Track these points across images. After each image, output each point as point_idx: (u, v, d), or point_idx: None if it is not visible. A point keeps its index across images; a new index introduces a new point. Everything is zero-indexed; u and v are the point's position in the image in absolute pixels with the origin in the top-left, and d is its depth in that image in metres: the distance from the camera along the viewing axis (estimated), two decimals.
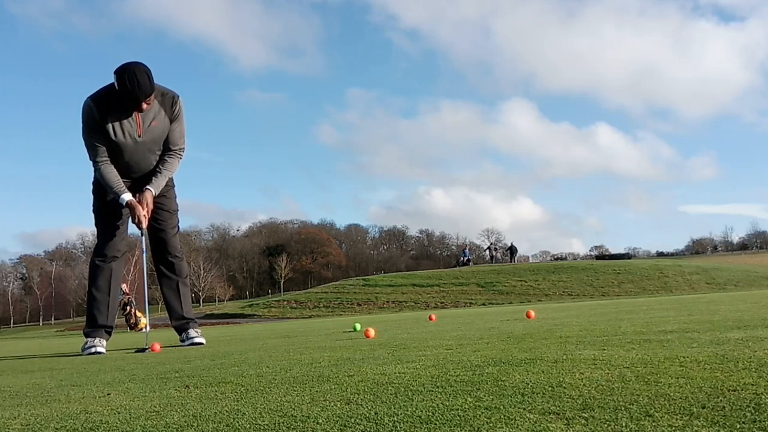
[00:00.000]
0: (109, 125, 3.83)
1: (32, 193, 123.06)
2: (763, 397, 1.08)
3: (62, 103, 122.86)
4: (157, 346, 4.01)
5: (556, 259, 78.87)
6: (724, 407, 1.04)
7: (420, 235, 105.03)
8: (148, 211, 4.08)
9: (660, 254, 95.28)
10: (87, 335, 4.24)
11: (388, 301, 39.08)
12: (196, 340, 4.32)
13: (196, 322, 4.52)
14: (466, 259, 53.61)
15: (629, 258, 55.76)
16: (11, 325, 73.15)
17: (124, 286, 25.46)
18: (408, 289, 41.96)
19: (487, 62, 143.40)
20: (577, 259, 75.89)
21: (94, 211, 4.29)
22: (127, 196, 4.02)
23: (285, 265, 78.59)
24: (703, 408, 1.04)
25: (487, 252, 58.00)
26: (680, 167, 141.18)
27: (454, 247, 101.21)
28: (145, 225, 4.09)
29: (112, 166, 3.98)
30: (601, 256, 62.65)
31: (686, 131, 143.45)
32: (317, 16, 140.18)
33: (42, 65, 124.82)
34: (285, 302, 43.74)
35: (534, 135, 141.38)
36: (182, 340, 4.39)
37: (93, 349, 4.10)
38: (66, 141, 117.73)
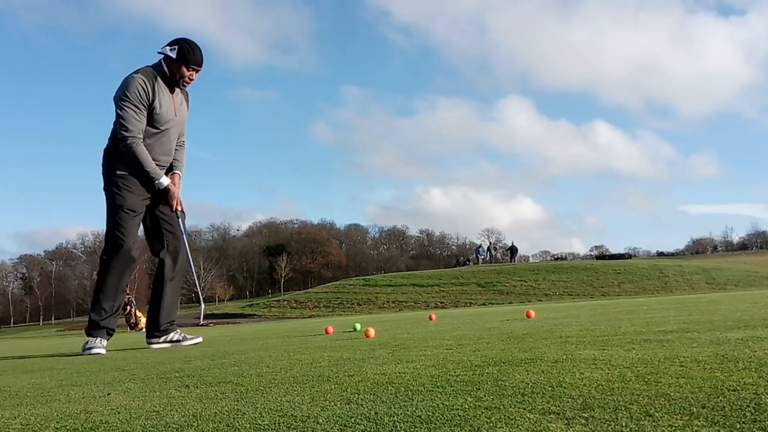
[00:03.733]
0: (156, 101, 3.86)
1: (27, 192, 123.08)
2: (763, 397, 1.08)
3: (51, 101, 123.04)
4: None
5: (556, 259, 78.89)
6: (724, 407, 1.04)
7: (420, 235, 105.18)
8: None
9: (660, 254, 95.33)
10: (89, 334, 4.13)
11: (388, 301, 39.10)
12: (195, 340, 4.32)
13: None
14: (481, 257, 54.16)
15: (629, 258, 55.77)
16: (11, 325, 73.19)
17: None
18: (408, 289, 41.98)
19: (483, 58, 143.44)
20: (577, 259, 75.90)
21: (115, 206, 3.96)
22: (166, 180, 3.99)
23: (285, 265, 78.65)
24: (703, 408, 1.04)
25: (487, 253, 58.16)
26: (680, 166, 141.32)
27: (454, 247, 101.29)
28: (180, 209, 4.10)
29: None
30: (601, 256, 62.65)
31: (686, 129, 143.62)
32: (309, 11, 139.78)
33: (29, 62, 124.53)
34: (285, 302, 43.78)
35: (532, 133, 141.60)
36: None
37: (93, 351, 4.01)
38: (59, 140, 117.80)
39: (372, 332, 3.60)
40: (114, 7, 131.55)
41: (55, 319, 75.11)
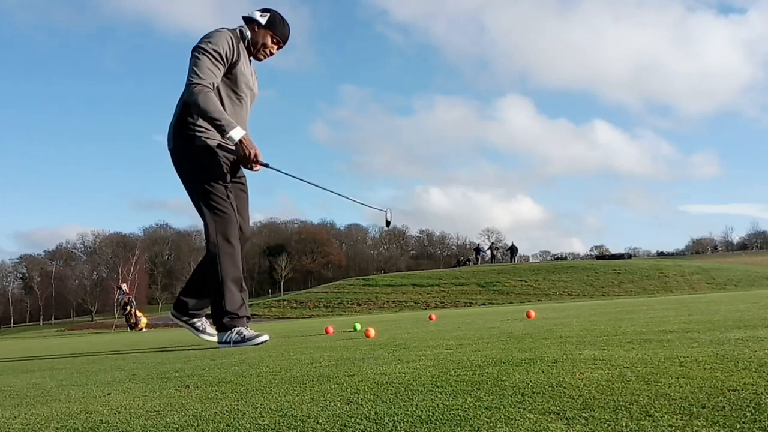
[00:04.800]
0: (240, 63, 3.52)
1: (25, 192, 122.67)
2: (763, 397, 1.08)
3: (48, 100, 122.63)
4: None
5: (557, 259, 78.86)
6: (724, 407, 1.04)
7: (420, 235, 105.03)
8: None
9: (660, 254, 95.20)
10: (229, 327, 3.53)
11: (388, 301, 39.14)
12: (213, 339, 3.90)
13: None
14: (481, 255, 54.35)
15: (629, 258, 55.79)
16: (11, 325, 73.19)
17: (124, 286, 25.48)
18: (408, 289, 42.01)
19: (482, 57, 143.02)
20: (578, 259, 75.89)
21: (206, 182, 3.50)
22: (238, 133, 3.36)
23: (285, 264, 78.64)
24: (703, 408, 1.04)
25: (488, 252, 58.26)
26: (680, 165, 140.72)
27: (454, 247, 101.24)
28: (261, 162, 3.55)
29: None
30: (601, 256, 62.65)
31: (686, 128, 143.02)
32: (306, 9, 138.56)
33: (25, 61, 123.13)
34: (285, 302, 43.82)
35: (532, 132, 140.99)
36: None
37: (260, 339, 3.47)
38: (58, 139, 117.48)
39: (372, 332, 3.60)
40: (110, 5, 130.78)
41: (55, 319, 75.05)
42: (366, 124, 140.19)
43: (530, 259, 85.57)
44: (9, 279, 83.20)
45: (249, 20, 3.62)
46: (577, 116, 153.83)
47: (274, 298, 50.06)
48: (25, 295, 79.64)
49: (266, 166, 3.61)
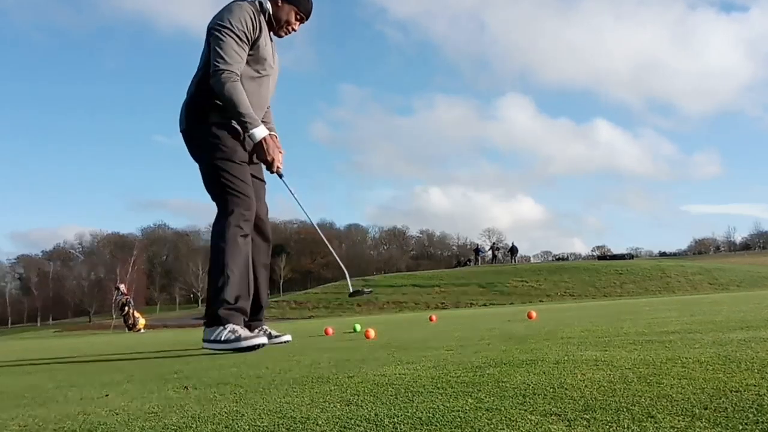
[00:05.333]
0: (262, 39, 3.26)
1: (23, 192, 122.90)
2: (765, 398, 1.08)
3: (46, 99, 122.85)
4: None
5: (558, 260, 78.89)
6: (726, 408, 1.03)
7: (420, 235, 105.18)
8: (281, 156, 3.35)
9: (662, 254, 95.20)
10: (223, 321, 3.09)
11: (388, 302, 39.11)
12: (284, 338, 3.58)
13: None
14: (481, 255, 54.62)
15: (631, 258, 55.80)
16: (9, 326, 73.20)
17: (122, 287, 25.45)
18: (408, 289, 42.00)
19: (482, 56, 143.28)
20: (579, 260, 75.91)
21: (223, 159, 3.23)
22: (261, 132, 3.18)
23: (285, 265, 78.72)
24: (706, 409, 1.04)
25: (489, 252, 58.38)
26: (682, 165, 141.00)
27: (454, 247, 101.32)
28: (280, 169, 3.37)
29: None
30: (603, 257, 62.65)
31: (688, 127, 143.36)
32: None
33: (23, 61, 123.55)
34: (284, 303, 43.80)
35: (532, 131, 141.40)
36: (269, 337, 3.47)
37: (254, 341, 3.07)
38: (56, 139, 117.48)
39: (372, 333, 3.60)
40: (109, 5, 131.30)
41: (53, 319, 75.03)
42: (366, 124, 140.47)
43: (531, 259, 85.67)
44: (6, 279, 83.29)
45: None
46: (577, 115, 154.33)
47: (273, 299, 50.02)
48: (23, 295, 79.73)
49: (280, 176, 3.45)
